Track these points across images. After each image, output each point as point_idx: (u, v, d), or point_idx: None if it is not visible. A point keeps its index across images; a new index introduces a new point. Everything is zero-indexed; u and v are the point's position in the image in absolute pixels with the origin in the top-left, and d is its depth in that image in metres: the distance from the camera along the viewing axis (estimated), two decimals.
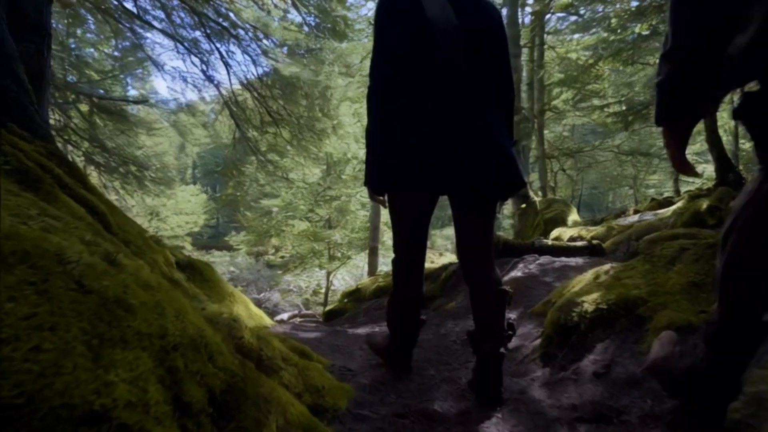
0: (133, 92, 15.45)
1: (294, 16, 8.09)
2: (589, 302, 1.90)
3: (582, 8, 11.57)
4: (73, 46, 10.26)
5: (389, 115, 1.54)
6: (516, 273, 4.23)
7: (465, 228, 1.64)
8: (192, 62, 8.03)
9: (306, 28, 8.07)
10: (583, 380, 1.49)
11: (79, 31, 9.72)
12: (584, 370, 1.54)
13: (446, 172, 1.46)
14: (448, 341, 2.43)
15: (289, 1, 7.35)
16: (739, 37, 0.88)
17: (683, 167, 1.09)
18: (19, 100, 2.10)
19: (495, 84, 1.58)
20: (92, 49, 10.84)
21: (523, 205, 10.17)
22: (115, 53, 10.96)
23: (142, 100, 10.16)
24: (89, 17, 8.67)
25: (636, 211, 8.25)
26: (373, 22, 1.59)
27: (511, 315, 3.02)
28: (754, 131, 1.01)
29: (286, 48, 8.43)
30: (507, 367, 1.93)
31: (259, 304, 13.78)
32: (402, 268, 1.71)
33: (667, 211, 6.51)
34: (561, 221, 8.59)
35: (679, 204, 6.45)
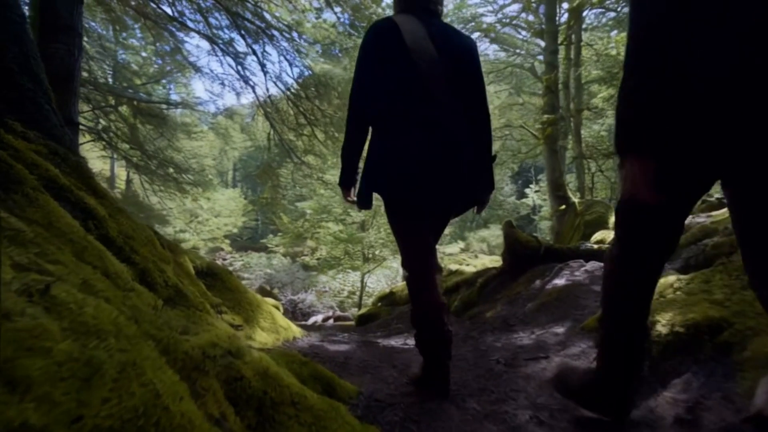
0: (174, 96, 15.86)
1: (328, 15, 8.01)
2: (662, 323, 1.62)
3: (620, 4, 11.01)
4: (122, 54, 10.60)
5: (366, 136, 1.71)
6: (560, 281, 3.89)
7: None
8: (228, 64, 8.08)
9: (340, 27, 7.95)
10: (663, 427, 1.20)
11: (123, 36, 9.99)
12: (663, 413, 1.25)
13: (418, 189, 1.65)
14: (488, 361, 2.17)
15: (323, 0, 7.25)
16: None
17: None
18: (35, 99, 2.03)
19: (470, 108, 1.74)
20: (135, 54, 11.14)
21: (563, 207, 9.72)
22: (157, 60, 11.22)
23: (180, 103, 10.32)
24: (135, 24, 8.87)
25: None
26: (358, 53, 1.71)
27: (559, 329, 2.73)
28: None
29: (319, 47, 8.33)
30: (556, 396, 1.67)
31: (294, 305, 13.84)
32: (415, 283, 1.77)
33: (724, 213, 5.94)
34: (602, 224, 8.14)
35: None
